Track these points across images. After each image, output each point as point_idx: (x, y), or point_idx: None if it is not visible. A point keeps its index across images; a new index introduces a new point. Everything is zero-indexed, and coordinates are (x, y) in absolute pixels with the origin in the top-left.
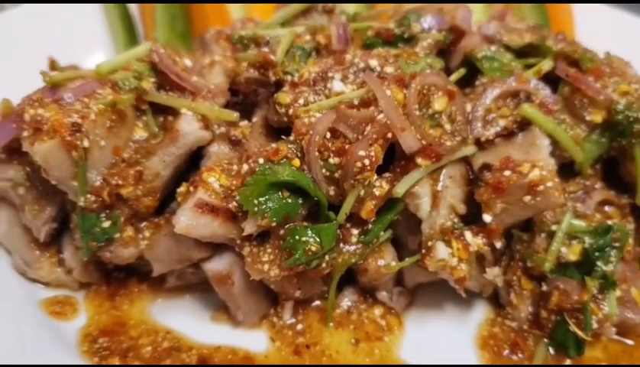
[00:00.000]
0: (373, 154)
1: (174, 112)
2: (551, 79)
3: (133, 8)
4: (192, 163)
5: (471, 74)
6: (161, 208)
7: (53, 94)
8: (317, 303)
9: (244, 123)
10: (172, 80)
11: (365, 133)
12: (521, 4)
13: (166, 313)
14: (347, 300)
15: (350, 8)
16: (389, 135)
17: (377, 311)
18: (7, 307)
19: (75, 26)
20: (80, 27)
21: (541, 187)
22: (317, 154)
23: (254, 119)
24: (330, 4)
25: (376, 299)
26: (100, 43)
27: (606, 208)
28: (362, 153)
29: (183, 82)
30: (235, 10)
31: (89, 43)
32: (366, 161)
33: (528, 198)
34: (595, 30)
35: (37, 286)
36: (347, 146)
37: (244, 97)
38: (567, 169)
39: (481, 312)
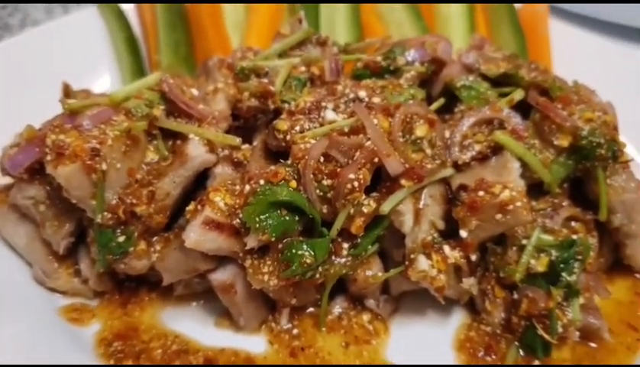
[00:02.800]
0: (361, 176)
1: (182, 137)
2: (524, 107)
3: (137, 32)
4: (199, 182)
5: (451, 101)
6: (170, 224)
7: (73, 121)
8: (311, 309)
9: (246, 146)
10: (181, 108)
11: (354, 158)
12: (501, 30)
13: (174, 319)
14: (338, 307)
15: (341, 39)
16: (376, 160)
17: (365, 317)
18: (29, 314)
19: (82, 49)
20: (86, 50)
21: (511, 206)
22: (312, 176)
23: (255, 143)
24: (323, 37)
25: (365, 306)
26: (106, 65)
27: (573, 223)
28: (352, 176)
29: (191, 110)
30: (235, 37)
31: (95, 66)
32: (356, 183)
33: (499, 216)
34: (570, 56)
35: (55, 295)
36: (338, 169)
37: (244, 122)
38: (537, 188)
39: (459, 317)
